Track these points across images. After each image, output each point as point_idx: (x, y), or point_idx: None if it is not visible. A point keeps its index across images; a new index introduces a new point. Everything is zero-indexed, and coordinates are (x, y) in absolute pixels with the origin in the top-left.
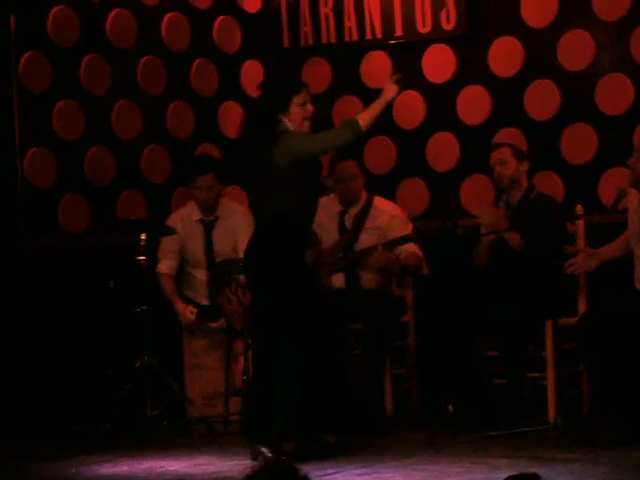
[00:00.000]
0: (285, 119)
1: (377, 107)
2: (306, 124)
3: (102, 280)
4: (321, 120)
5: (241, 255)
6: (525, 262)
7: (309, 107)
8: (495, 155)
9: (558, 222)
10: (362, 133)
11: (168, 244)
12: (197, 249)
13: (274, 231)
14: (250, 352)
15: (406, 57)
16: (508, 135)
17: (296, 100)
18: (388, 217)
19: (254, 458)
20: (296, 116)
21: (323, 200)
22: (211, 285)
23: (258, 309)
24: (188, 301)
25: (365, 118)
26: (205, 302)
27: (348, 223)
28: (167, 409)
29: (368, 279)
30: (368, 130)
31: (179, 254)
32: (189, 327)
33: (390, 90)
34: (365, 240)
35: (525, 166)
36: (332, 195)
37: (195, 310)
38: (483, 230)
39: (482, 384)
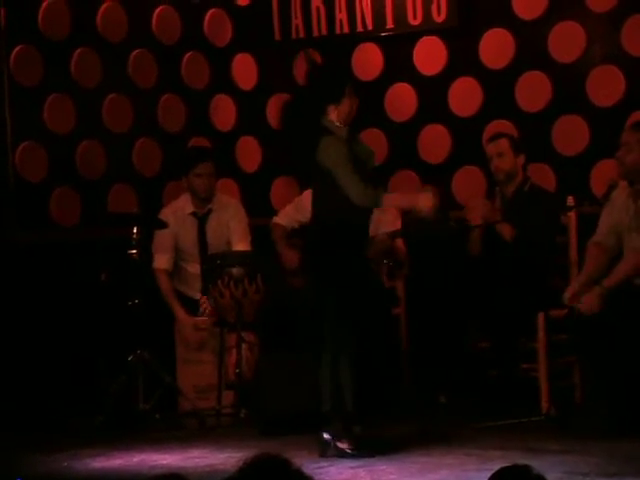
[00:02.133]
0: (334, 111)
1: (404, 203)
2: (353, 116)
3: (94, 274)
4: None
5: (234, 248)
6: (517, 254)
7: (356, 99)
8: (493, 147)
9: (552, 214)
10: (378, 208)
11: (162, 238)
12: (190, 242)
13: (331, 227)
14: (243, 345)
15: (397, 49)
16: (499, 127)
17: (348, 90)
18: (379, 211)
19: (322, 453)
20: (346, 108)
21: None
22: (204, 279)
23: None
24: (179, 296)
25: (390, 201)
26: (197, 296)
27: None
28: (159, 402)
29: None
30: (360, 122)
31: (172, 248)
32: (193, 344)
33: (424, 201)
34: None
35: (522, 159)
36: None
37: (196, 324)
38: (472, 222)
39: (474, 375)
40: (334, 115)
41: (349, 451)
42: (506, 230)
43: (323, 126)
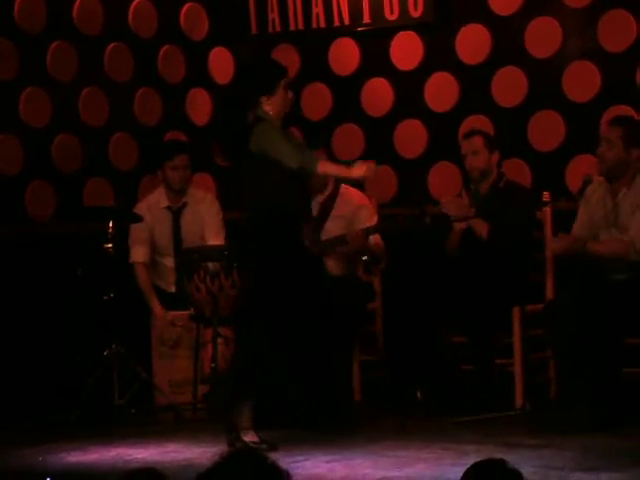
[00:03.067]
0: (267, 102)
1: (340, 172)
2: (286, 110)
3: (69, 268)
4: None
5: (208, 242)
6: (493, 250)
7: (290, 93)
8: (467, 145)
9: (527, 210)
10: (314, 174)
11: (138, 232)
12: (164, 236)
13: (263, 218)
14: (218, 339)
15: (373, 44)
16: (475, 122)
17: (283, 83)
18: (355, 206)
19: (230, 445)
20: (279, 100)
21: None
22: (179, 272)
23: (248, 295)
24: (156, 289)
25: (326, 168)
26: (172, 289)
27: (314, 210)
28: (135, 397)
29: (334, 266)
30: (336, 117)
31: (149, 241)
32: (168, 341)
33: (359, 171)
34: (331, 228)
35: (496, 157)
36: None
37: (172, 320)
38: (451, 218)
39: (450, 370)
40: (267, 106)
41: (252, 444)
42: (480, 226)
43: (257, 115)
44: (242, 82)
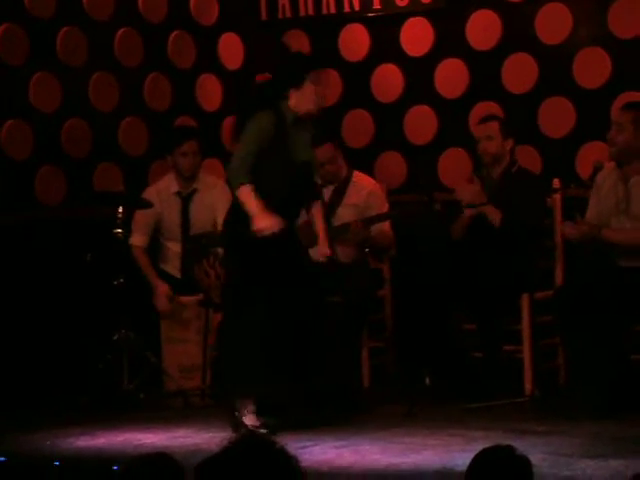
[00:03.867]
0: (294, 95)
1: (251, 210)
2: (316, 106)
3: (79, 253)
4: None
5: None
6: (504, 236)
7: (321, 89)
8: (482, 130)
9: (539, 197)
10: (234, 192)
11: (141, 217)
12: (173, 222)
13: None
14: None
15: (384, 30)
16: (485, 109)
17: (311, 76)
18: (367, 194)
19: (235, 430)
20: (308, 94)
21: None
22: (187, 258)
23: (230, 279)
24: (162, 274)
25: (242, 198)
26: (178, 274)
27: (326, 197)
28: (144, 382)
29: (345, 253)
30: (346, 103)
31: (152, 227)
32: (162, 312)
33: (264, 223)
34: (342, 215)
35: (510, 143)
36: None
37: (171, 295)
38: (464, 204)
39: (459, 357)
40: (294, 99)
41: (252, 428)
42: (493, 214)
43: (282, 109)
44: (272, 72)
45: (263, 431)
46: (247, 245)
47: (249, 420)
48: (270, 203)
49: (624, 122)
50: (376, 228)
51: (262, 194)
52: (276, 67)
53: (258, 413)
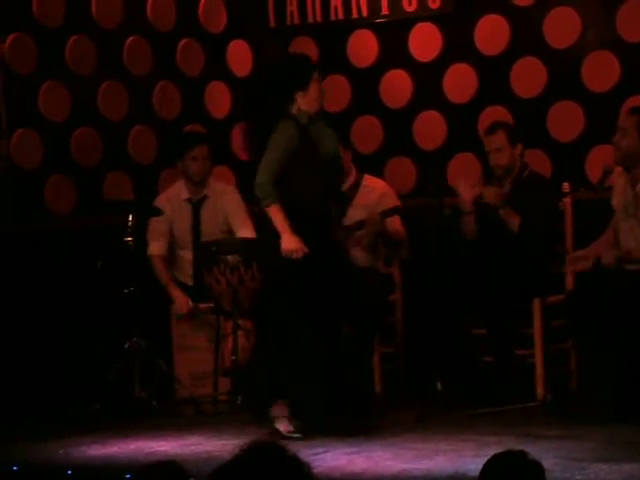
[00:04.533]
0: (302, 97)
1: (279, 227)
2: (321, 102)
3: (89, 262)
4: None
5: (237, 233)
6: (520, 241)
7: (322, 88)
8: (490, 142)
9: (551, 201)
10: (260, 206)
11: (157, 226)
12: (184, 229)
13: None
14: (239, 332)
15: (392, 35)
16: (494, 113)
17: (315, 76)
18: (379, 194)
19: (271, 434)
20: (314, 94)
21: None
22: (198, 265)
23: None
24: (175, 282)
25: (271, 214)
26: (190, 282)
27: None
28: (156, 390)
29: (356, 257)
30: (355, 109)
31: (168, 235)
32: (181, 316)
33: (290, 244)
34: (353, 216)
35: (519, 149)
36: None
37: (190, 302)
38: (464, 209)
39: (470, 362)
40: (302, 102)
41: (285, 433)
42: (512, 218)
43: (287, 112)
44: (274, 79)
45: (296, 436)
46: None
47: (282, 426)
48: (306, 205)
49: (628, 127)
50: (390, 224)
51: (297, 198)
52: (279, 72)
53: (292, 416)
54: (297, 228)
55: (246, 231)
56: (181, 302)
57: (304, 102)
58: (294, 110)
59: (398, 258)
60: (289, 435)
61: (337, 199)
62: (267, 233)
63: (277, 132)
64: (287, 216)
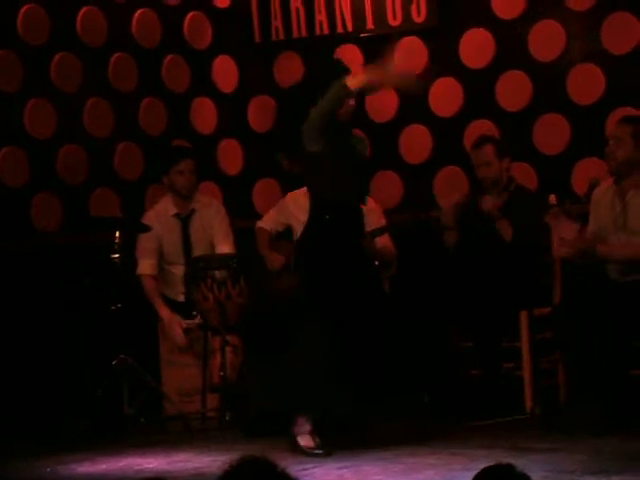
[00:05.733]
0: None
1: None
2: (346, 117)
3: (76, 279)
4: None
5: (217, 248)
6: (512, 253)
7: (352, 101)
8: (478, 156)
9: (538, 214)
10: (349, 92)
11: (146, 243)
12: (174, 245)
13: (315, 217)
14: (227, 348)
15: (377, 50)
16: (480, 127)
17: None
18: (366, 211)
19: (291, 450)
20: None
21: (297, 193)
22: (187, 281)
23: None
24: (164, 299)
25: (353, 82)
26: (181, 298)
27: None
28: (144, 406)
29: None
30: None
31: (157, 252)
32: (178, 347)
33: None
34: None
35: (506, 162)
36: (306, 188)
37: (185, 326)
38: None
39: (458, 375)
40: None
41: (307, 450)
42: (506, 228)
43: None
44: (308, 84)
45: (318, 452)
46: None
47: (304, 441)
48: (344, 206)
49: (624, 135)
50: (379, 242)
51: (336, 200)
52: (311, 76)
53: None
54: (333, 226)
55: (225, 247)
56: (176, 332)
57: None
58: None
59: (388, 275)
60: (312, 452)
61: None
62: (306, 239)
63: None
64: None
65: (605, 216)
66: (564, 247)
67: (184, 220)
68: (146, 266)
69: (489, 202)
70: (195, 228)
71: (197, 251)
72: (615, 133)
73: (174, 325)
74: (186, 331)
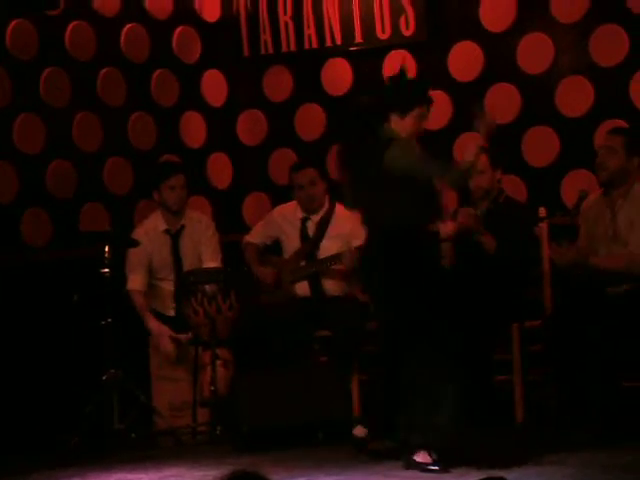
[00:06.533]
0: (396, 121)
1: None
2: (415, 134)
3: (66, 294)
4: (283, 129)
5: (205, 264)
6: (497, 266)
7: (424, 124)
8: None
9: (527, 226)
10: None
11: (135, 259)
12: (164, 260)
13: (397, 235)
14: (217, 362)
15: (366, 63)
16: (470, 140)
17: (418, 110)
18: (352, 224)
19: (406, 466)
20: (409, 125)
21: (285, 207)
22: (177, 296)
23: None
24: (155, 314)
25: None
26: (171, 313)
27: (310, 230)
28: (134, 421)
29: (332, 286)
30: (330, 137)
31: (147, 268)
32: (167, 357)
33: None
34: (327, 247)
35: (498, 174)
36: (294, 202)
37: (175, 337)
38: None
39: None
40: (396, 125)
41: (423, 465)
42: (490, 241)
43: (388, 135)
44: (381, 94)
45: (434, 468)
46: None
47: (421, 457)
48: (424, 228)
49: (615, 145)
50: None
51: (416, 221)
52: (385, 90)
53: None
54: (414, 246)
55: (213, 264)
56: (166, 343)
57: (397, 126)
58: (387, 130)
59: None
60: (430, 467)
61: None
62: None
63: (398, 153)
64: (404, 235)
65: (595, 227)
66: (558, 254)
67: (174, 236)
68: (135, 282)
69: (465, 214)
70: (185, 244)
71: (187, 266)
72: (607, 143)
73: (163, 336)
74: (176, 342)
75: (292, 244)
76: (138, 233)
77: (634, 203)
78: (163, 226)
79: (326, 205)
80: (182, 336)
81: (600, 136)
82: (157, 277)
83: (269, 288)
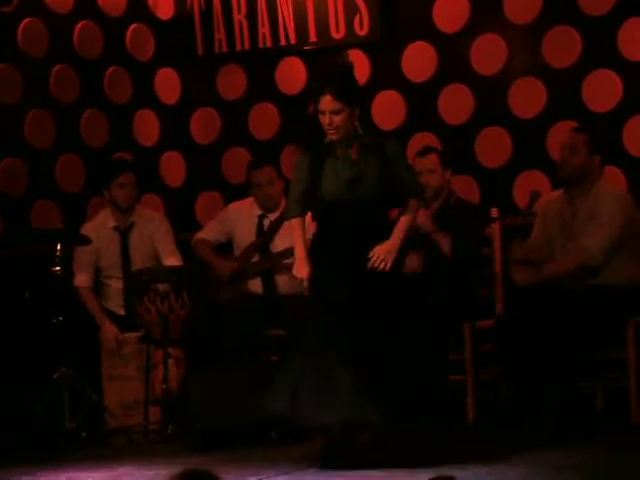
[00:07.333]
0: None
1: (295, 246)
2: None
3: (17, 291)
4: (237, 128)
5: (164, 261)
6: (451, 265)
7: (326, 119)
8: (422, 163)
9: (477, 227)
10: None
11: (83, 256)
12: (112, 258)
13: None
14: (169, 360)
15: (320, 63)
16: (423, 140)
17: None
18: (307, 222)
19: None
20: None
21: (241, 204)
22: (128, 294)
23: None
24: (105, 312)
25: (291, 230)
26: (121, 312)
27: (265, 226)
28: (86, 420)
29: (285, 284)
30: (284, 136)
31: (94, 265)
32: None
33: (298, 271)
34: (280, 244)
35: (449, 174)
36: (250, 199)
37: (120, 336)
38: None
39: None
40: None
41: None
42: (445, 241)
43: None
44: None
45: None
46: None
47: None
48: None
49: (577, 144)
50: None
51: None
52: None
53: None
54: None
55: (173, 260)
56: (109, 334)
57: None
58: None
59: None
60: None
61: None
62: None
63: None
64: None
65: (553, 226)
66: (520, 275)
67: (123, 233)
68: (82, 278)
69: (425, 219)
70: (134, 241)
71: (136, 265)
72: (569, 141)
73: (112, 335)
74: (122, 340)
75: (246, 241)
76: (86, 229)
77: (595, 200)
78: (112, 223)
79: (283, 204)
80: (132, 335)
81: (553, 137)
82: (105, 275)
83: (223, 284)
